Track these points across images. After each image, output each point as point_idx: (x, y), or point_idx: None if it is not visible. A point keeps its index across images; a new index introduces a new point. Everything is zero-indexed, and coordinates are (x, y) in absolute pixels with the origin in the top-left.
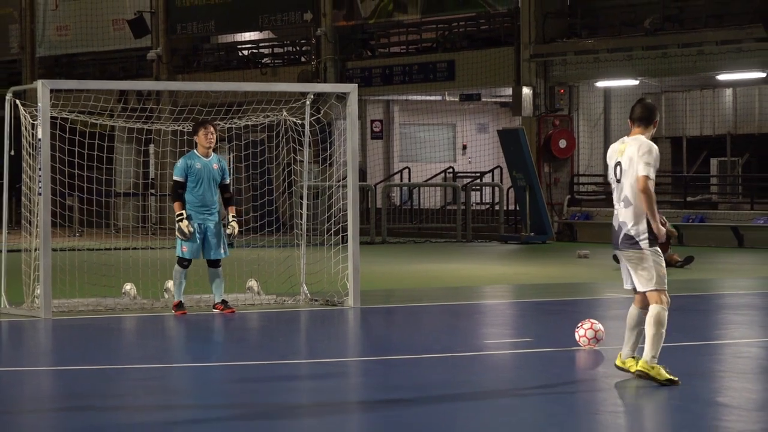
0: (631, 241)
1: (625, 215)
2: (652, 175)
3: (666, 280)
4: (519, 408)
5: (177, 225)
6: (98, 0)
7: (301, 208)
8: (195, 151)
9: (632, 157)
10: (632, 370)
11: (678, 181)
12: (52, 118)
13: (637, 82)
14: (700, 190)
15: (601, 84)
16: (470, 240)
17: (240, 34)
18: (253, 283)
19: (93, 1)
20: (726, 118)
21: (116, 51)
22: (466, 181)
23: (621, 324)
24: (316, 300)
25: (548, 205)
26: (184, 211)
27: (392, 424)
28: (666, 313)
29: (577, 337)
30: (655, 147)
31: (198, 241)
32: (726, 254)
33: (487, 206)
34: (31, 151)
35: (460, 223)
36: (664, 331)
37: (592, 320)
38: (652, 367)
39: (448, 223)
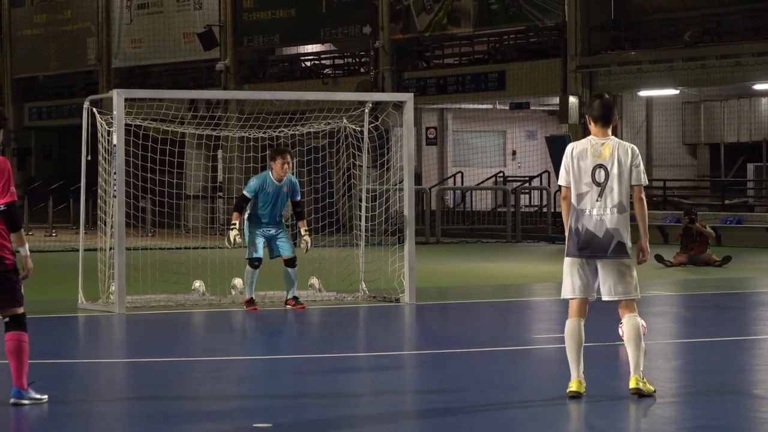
0: (623, 249)
1: (618, 222)
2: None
3: None
4: (564, 398)
5: (227, 232)
6: (170, 14)
7: (360, 210)
8: (270, 174)
9: (623, 163)
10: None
11: (716, 185)
12: (126, 125)
13: (677, 92)
14: (738, 194)
15: (644, 93)
16: (519, 240)
17: (303, 46)
18: (314, 280)
19: (165, 15)
20: (762, 126)
21: (187, 62)
22: (515, 184)
23: (662, 320)
24: (374, 297)
25: None
26: (237, 222)
27: (447, 413)
28: None
29: (620, 333)
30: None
31: (262, 244)
32: (762, 254)
33: (536, 208)
34: (107, 157)
35: (509, 224)
36: None
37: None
38: (644, 381)
39: (499, 225)
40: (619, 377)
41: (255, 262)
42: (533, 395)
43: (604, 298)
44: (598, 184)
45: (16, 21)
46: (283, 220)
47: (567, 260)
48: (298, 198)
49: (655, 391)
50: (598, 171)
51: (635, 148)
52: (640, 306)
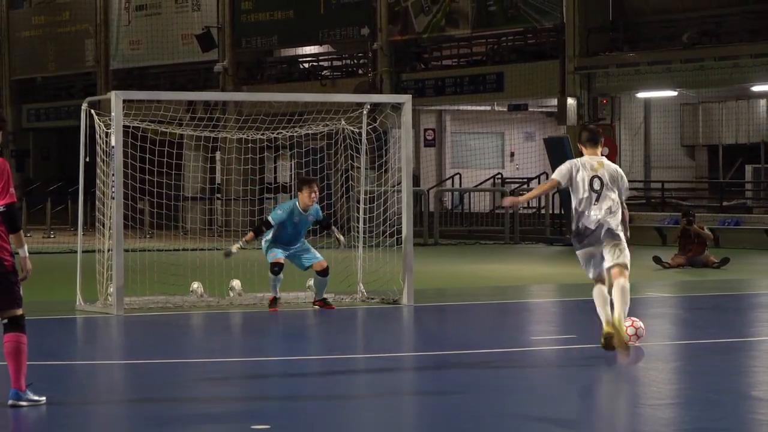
0: (612, 232)
1: (612, 220)
2: None
3: None
4: (563, 400)
5: (234, 245)
6: (168, 16)
7: (359, 212)
8: (297, 204)
9: (615, 177)
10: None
11: (714, 186)
12: (124, 126)
13: (675, 93)
14: (736, 195)
15: (642, 95)
16: (518, 242)
17: (301, 47)
18: (312, 282)
19: (164, 17)
20: (760, 127)
21: (185, 64)
22: (513, 186)
23: (661, 321)
24: (373, 298)
25: None
26: (247, 244)
27: (445, 416)
28: None
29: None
30: None
31: (282, 252)
32: (760, 256)
33: (534, 210)
34: (105, 158)
35: (508, 226)
36: None
37: (633, 318)
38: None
39: (497, 226)
40: (620, 379)
41: (275, 268)
42: (532, 397)
43: (607, 264)
44: (594, 191)
45: (15, 22)
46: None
47: (579, 253)
48: (322, 217)
49: (628, 345)
50: (595, 181)
51: (620, 169)
52: (637, 308)
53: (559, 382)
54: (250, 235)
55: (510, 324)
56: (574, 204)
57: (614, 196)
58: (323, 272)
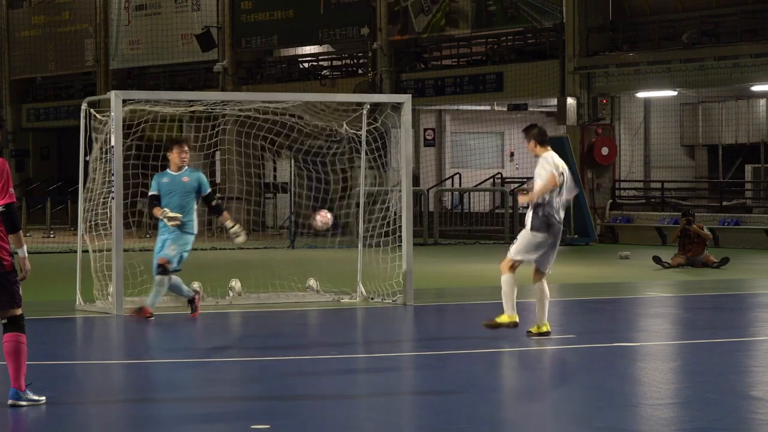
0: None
1: (562, 214)
2: None
3: None
4: (564, 400)
5: (167, 220)
6: (168, 16)
7: (359, 212)
8: (169, 167)
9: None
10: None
11: (714, 186)
12: (124, 126)
13: (675, 93)
14: (735, 195)
15: (642, 95)
16: None
17: (301, 47)
18: (312, 281)
19: (163, 16)
20: (760, 127)
21: (185, 64)
22: (513, 186)
23: (660, 321)
24: (372, 298)
25: (591, 209)
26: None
27: (444, 415)
28: None
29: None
30: None
31: (161, 238)
32: (760, 255)
33: None
34: (104, 157)
35: (507, 225)
36: None
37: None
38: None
39: (497, 226)
40: (619, 379)
41: (159, 269)
42: (531, 397)
43: (545, 267)
44: (560, 186)
45: (14, 22)
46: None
47: (538, 236)
48: (208, 191)
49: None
50: (562, 177)
51: None
52: (638, 308)
53: (558, 382)
54: (154, 210)
55: None
56: (546, 195)
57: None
58: (158, 268)
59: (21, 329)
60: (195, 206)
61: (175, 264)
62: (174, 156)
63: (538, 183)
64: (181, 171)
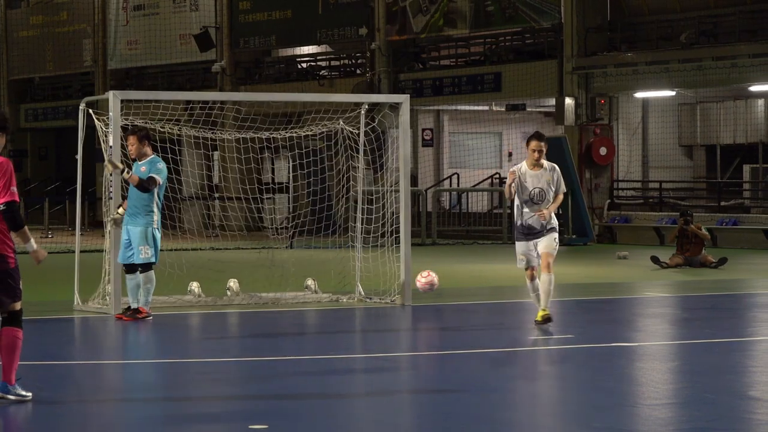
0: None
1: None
2: None
3: None
4: (562, 400)
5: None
6: (166, 16)
7: (357, 212)
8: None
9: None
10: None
11: (712, 186)
12: (122, 126)
13: (673, 93)
14: (734, 195)
15: (640, 95)
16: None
17: (299, 47)
18: (310, 282)
19: (162, 17)
20: (758, 127)
21: (183, 64)
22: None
23: (659, 321)
24: (370, 298)
25: (589, 209)
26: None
27: (442, 415)
28: None
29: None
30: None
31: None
32: (757, 256)
33: None
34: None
35: (506, 226)
36: None
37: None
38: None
39: (495, 226)
40: (617, 378)
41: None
42: (529, 397)
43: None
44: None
45: (12, 22)
46: (152, 217)
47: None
48: (149, 176)
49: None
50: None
51: None
52: (636, 307)
53: (556, 382)
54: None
55: (508, 324)
56: (519, 203)
57: None
58: (128, 269)
59: (19, 324)
60: (155, 198)
61: (155, 258)
62: (128, 146)
63: (560, 196)
64: (141, 161)
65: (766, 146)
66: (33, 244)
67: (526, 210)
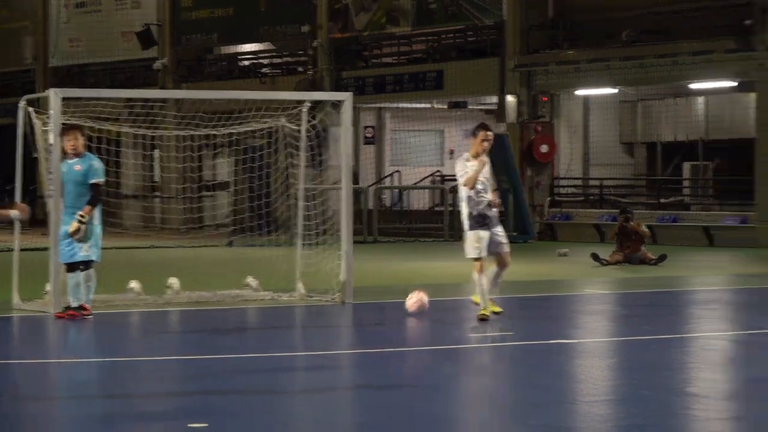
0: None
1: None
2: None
3: None
4: (501, 397)
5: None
6: (108, 13)
7: (298, 210)
8: (66, 158)
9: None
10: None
11: (652, 183)
12: (63, 124)
13: (615, 91)
14: (674, 193)
15: (581, 92)
16: (457, 239)
17: (241, 45)
18: (251, 280)
19: (104, 14)
20: (698, 125)
21: (125, 61)
22: (453, 183)
23: (598, 318)
24: (311, 296)
25: (530, 207)
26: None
27: (382, 412)
28: None
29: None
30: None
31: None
32: (697, 253)
33: None
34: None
35: (447, 223)
36: None
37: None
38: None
39: (436, 224)
40: (555, 375)
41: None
42: (468, 394)
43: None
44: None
45: None
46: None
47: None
48: (92, 180)
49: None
50: None
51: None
52: (576, 305)
53: (495, 379)
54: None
55: (448, 321)
56: (471, 193)
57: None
58: (68, 267)
59: None
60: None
61: (96, 257)
62: (64, 143)
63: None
64: (75, 159)
65: (707, 144)
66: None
67: (478, 199)
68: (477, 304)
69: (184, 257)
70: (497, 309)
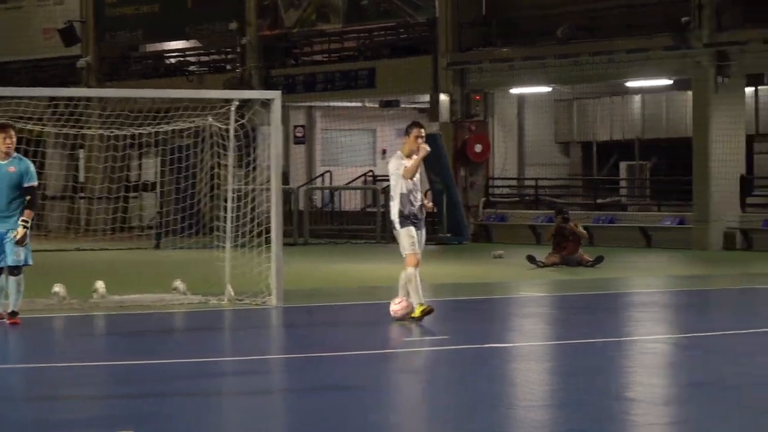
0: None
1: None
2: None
3: None
4: (436, 401)
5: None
6: (30, 9)
7: (225, 211)
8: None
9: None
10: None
11: (588, 183)
12: None
13: (550, 89)
14: (610, 193)
15: (516, 91)
16: (389, 241)
17: (168, 42)
18: (178, 283)
19: (25, 10)
20: (635, 124)
21: (47, 59)
22: (385, 184)
23: (534, 321)
24: (240, 299)
25: (464, 208)
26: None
27: (311, 415)
28: None
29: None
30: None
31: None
32: (634, 254)
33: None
34: None
35: (379, 224)
36: None
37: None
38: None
39: (368, 225)
40: (491, 380)
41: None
42: (400, 399)
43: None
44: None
45: None
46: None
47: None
48: (27, 184)
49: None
50: None
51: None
52: (511, 307)
53: (430, 383)
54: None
55: (381, 325)
56: (405, 191)
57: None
58: (9, 271)
59: None
60: (23, 198)
61: (29, 260)
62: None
63: None
64: (7, 160)
65: (643, 143)
66: None
67: (411, 199)
68: (420, 318)
69: (110, 260)
70: (417, 313)
